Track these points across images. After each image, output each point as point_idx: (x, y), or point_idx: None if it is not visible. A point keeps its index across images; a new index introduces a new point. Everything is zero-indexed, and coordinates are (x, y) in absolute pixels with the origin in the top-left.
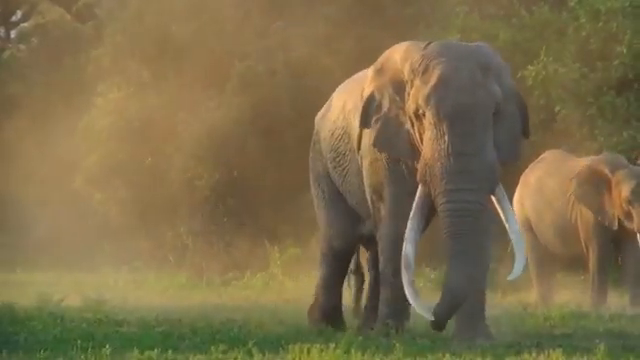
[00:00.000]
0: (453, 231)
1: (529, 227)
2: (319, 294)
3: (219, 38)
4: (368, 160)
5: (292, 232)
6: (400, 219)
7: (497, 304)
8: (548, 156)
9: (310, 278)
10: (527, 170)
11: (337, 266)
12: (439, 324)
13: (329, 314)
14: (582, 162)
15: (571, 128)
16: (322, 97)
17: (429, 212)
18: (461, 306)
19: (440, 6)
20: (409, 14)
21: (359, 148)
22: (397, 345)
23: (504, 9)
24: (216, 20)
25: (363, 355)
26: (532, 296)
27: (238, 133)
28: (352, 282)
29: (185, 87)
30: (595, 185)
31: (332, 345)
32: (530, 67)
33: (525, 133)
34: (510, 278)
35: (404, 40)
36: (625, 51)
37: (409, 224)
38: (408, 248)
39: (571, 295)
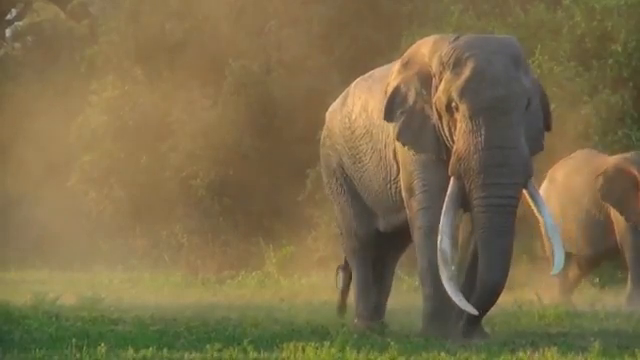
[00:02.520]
0: (494, 228)
1: None
2: (357, 300)
3: (214, 37)
4: (401, 160)
5: (287, 231)
6: (432, 212)
7: None
8: (577, 154)
9: (305, 277)
10: (554, 167)
11: (368, 262)
12: (476, 320)
13: (371, 318)
14: (610, 160)
15: (566, 126)
16: (317, 96)
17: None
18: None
19: (435, 4)
20: (404, 12)
21: (395, 150)
22: (392, 343)
23: (499, 7)
24: (210, 19)
25: (358, 353)
26: (527, 294)
27: (233, 132)
28: (340, 279)
29: (180, 86)
30: (621, 184)
31: (327, 343)
32: None
33: (547, 126)
34: (553, 273)
35: (398, 39)
36: (620, 50)
37: (443, 219)
38: (445, 243)
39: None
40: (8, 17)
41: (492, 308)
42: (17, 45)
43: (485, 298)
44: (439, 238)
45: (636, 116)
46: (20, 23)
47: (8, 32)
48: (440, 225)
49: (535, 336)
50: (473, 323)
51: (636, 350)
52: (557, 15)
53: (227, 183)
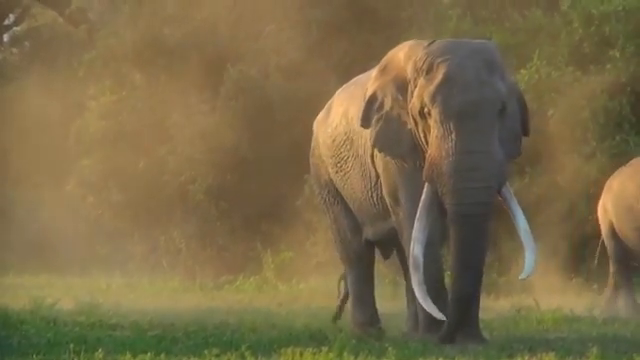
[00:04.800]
0: (464, 240)
1: (612, 232)
2: (353, 309)
3: (212, 42)
4: (382, 167)
5: (285, 236)
6: None
7: (490, 307)
8: (633, 162)
9: (303, 282)
10: (612, 176)
11: (364, 271)
12: (451, 335)
13: (369, 325)
14: None
15: (564, 132)
16: (315, 101)
17: (439, 211)
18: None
19: (433, 9)
20: (402, 17)
21: (373, 155)
22: (390, 349)
23: (497, 12)
24: (208, 24)
25: (356, 358)
26: (525, 299)
27: (231, 136)
28: (342, 287)
29: (178, 90)
30: None
31: (325, 348)
32: (523, 71)
33: (525, 131)
34: (522, 277)
35: (397, 43)
36: (618, 55)
37: (416, 225)
38: (417, 249)
39: (564, 299)
40: (6, 22)
41: (490, 313)
42: (15, 50)
43: (457, 308)
44: (411, 244)
45: (634, 121)
46: (18, 28)
47: (6, 37)
48: (413, 231)
49: (533, 341)
50: (453, 328)
51: (634, 355)
52: (555, 20)
53: (225, 188)
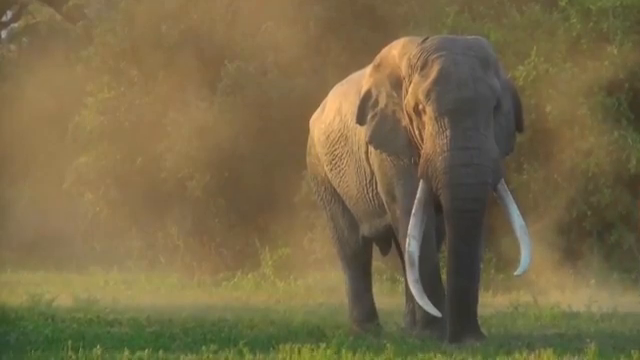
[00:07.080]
0: (459, 235)
1: None
2: (351, 306)
3: (209, 38)
4: (377, 164)
5: (283, 232)
6: None
7: (488, 304)
8: None
9: (301, 278)
10: None
11: (362, 268)
12: (458, 333)
13: (367, 321)
14: None
15: (562, 128)
16: (313, 97)
17: (435, 208)
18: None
19: (430, 6)
20: (399, 14)
21: (367, 152)
22: (388, 345)
23: (494, 9)
24: (206, 20)
25: (354, 355)
26: (523, 296)
27: (229, 133)
28: None
29: (175, 87)
30: None
31: (323, 345)
32: (521, 67)
33: (519, 127)
34: (517, 273)
35: (394, 40)
36: (616, 51)
37: (412, 221)
38: (412, 246)
39: (562, 295)
40: (3, 19)
41: (488, 309)
42: (12, 47)
43: (455, 304)
44: (407, 241)
45: (632, 117)
46: (15, 25)
47: (3, 34)
48: (409, 228)
49: (531, 338)
50: (458, 325)
51: (632, 351)
52: (553, 16)
53: (223, 184)
